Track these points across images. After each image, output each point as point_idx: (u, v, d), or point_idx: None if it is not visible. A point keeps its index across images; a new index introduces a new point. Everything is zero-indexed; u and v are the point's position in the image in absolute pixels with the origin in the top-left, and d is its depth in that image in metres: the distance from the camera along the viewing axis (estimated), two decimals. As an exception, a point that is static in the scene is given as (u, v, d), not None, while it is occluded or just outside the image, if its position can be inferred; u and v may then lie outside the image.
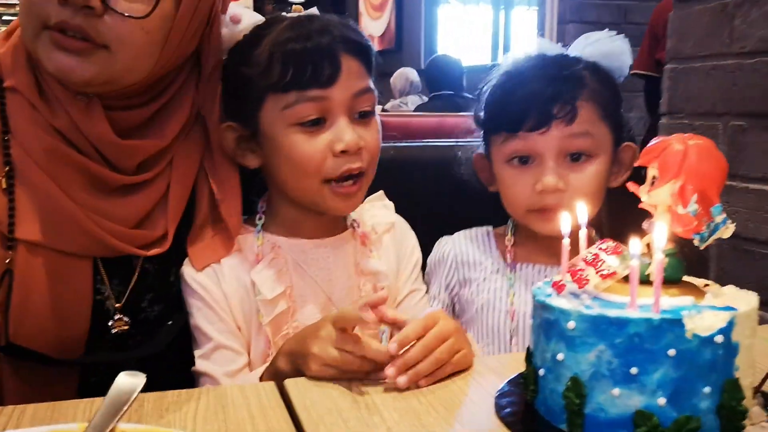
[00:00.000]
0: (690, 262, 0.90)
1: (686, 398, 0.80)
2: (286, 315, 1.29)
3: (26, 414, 0.94)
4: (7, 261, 1.14)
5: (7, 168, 1.15)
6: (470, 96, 5.91)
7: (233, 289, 1.27)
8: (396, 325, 1.09)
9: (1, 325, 1.14)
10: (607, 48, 1.38)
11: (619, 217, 1.37)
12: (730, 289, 0.91)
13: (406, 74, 6.95)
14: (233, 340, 1.26)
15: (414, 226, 1.49)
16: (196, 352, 1.27)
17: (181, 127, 1.26)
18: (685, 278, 0.93)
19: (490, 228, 1.49)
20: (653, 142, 0.91)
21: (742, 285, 1.64)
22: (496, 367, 1.10)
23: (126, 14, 1.09)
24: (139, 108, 1.21)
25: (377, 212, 1.45)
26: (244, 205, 1.33)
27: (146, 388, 0.93)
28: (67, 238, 1.17)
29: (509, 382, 1.01)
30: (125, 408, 0.82)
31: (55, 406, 0.97)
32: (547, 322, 0.88)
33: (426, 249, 1.49)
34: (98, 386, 1.03)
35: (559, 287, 0.90)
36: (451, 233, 1.51)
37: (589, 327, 0.82)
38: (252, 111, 1.26)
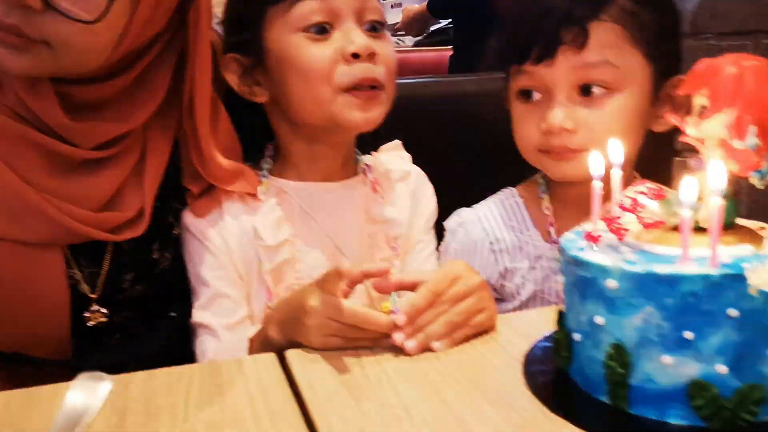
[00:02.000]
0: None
1: (750, 364, 0.69)
2: (289, 263, 1.20)
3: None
4: None
5: None
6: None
7: (235, 235, 1.19)
8: (404, 289, 0.99)
9: None
10: None
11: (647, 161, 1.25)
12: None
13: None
14: (233, 289, 1.19)
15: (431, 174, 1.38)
16: (195, 304, 1.19)
17: (156, 108, 1.13)
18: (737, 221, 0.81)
19: (515, 192, 1.33)
20: (700, 65, 0.78)
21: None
22: (521, 327, 0.98)
23: (70, 16, 0.94)
24: (97, 83, 1.06)
25: (392, 161, 1.36)
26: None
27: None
28: (28, 228, 1.05)
29: (537, 346, 0.90)
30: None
31: (32, 393, 0.87)
32: (583, 281, 0.76)
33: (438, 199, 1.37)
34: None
35: (593, 238, 0.78)
36: (464, 182, 1.38)
37: (634, 286, 0.71)
38: (254, 32, 1.19)
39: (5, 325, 1.07)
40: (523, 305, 1.27)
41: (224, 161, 1.18)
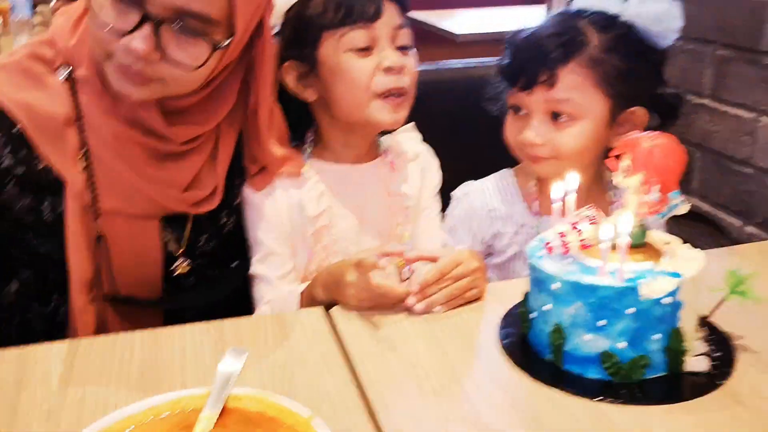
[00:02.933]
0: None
1: (640, 343, 1.07)
2: (326, 228, 1.57)
3: (135, 340, 1.22)
4: (97, 230, 1.38)
5: (84, 150, 1.36)
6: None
7: (284, 205, 1.54)
8: (423, 260, 1.38)
9: (105, 280, 1.40)
10: (651, 10, 1.49)
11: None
12: (684, 250, 1.16)
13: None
14: (283, 247, 1.55)
15: (439, 150, 1.74)
16: (254, 258, 1.55)
17: (228, 111, 1.45)
18: (652, 237, 1.18)
19: (511, 173, 1.67)
20: (629, 135, 1.14)
21: (719, 195, 1.91)
22: (502, 296, 1.35)
23: (180, 63, 1.26)
24: (185, 96, 1.37)
25: (406, 142, 1.70)
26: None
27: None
28: (136, 205, 1.40)
29: (509, 314, 1.28)
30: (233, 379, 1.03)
31: (156, 333, 1.25)
32: (539, 280, 1.14)
33: (448, 173, 1.72)
34: (178, 321, 1.32)
35: (549, 249, 1.15)
36: (472, 158, 1.73)
37: (570, 289, 1.08)
38: (311, 48, 1.52)
39: (119, 277, 1.43)
40: (508, 260, 1.65)
41: (277, 150, 1.51)
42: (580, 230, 1.13)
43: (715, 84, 1.95)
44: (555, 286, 1.09)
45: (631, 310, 1.05)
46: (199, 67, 1.28)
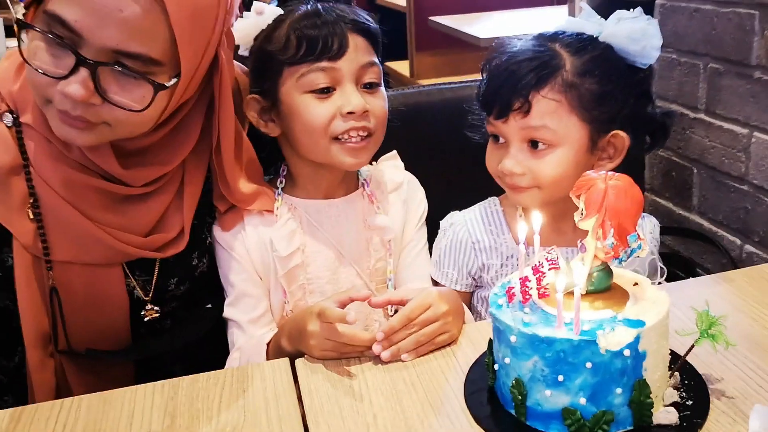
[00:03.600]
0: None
1: (602, 397, 1.01)
2: (300, 267, 1.51)
3: (82, 406, 1.19)
4: (50, 281, 1.34)
5: (32, 199, 1.31)
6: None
7: (255, 245, 1.50)
8: (393, 304, 1.36)
9: (61, 333, 1.36)
10: (628, 30, 1.44)
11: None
12: (652, 292, 1.10)
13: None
14: (255, 289, 1.51)
15: (423, 176, 1.68)
16: (226, 301, 1.51)
17: (192, 148, 1.40)
18: (618, 276, 1.12)
19: (497, 201, 1.61)
20: (582, 176, 1.08)
21: (718, 212, 1.84)
22: (475, 339, 1.30)
23: (123, 106, 1.21)
24: (143, 136, 1.32)
25: (388, 171, 1.64)
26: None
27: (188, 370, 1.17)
28: (92, 254, 1.35)
29: (478, 363, 1.22)
30: None
31: (105, 396, 1.21)
32: (498, 330, 1.08)
33: (436, 199, 1.67)
34: (151, 368, 1.28)
35: (510, 296, 1.09)
36: (461, 184, 1.66)
37: (526, 342, 1.02)
38: (272, 83, 1.47)
39: (79, 329, 1.39)
40: None
41: (246, 186, 1.47)
42: (541, 274, 1.08)
43: (709, 98, 1.88)
44: (512, 338, 1.04)
45: (590, 364, 0.99)
46: (145, 108, 1.23)
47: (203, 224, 1.49)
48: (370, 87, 1.47)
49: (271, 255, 1.50)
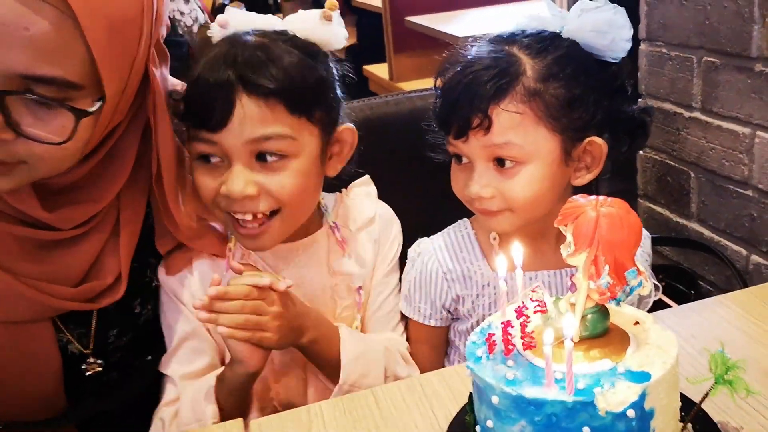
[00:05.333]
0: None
1: (604, 467, 0.85)
2: None
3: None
4: None
5: None
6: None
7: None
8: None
9: None
10: (592, 22, 1.29)
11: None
12: (656, 333, 0.93)
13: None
14: (199, 341, 1.33)
15: (394, 193, 1.51)
16: (166, 353, 1.34)
17: (127, 181, 1.23)
18: (615, 313, 0.96)
19: (468, 224, 1.45)
20: (569, 202, 0.91)
21: (719, 219, 1.68)
22: (454, 386, 1.14)
23: (40, 141, 1.03)
24: (69, 173, 1.16)
25: (359, 203, 1.46)
26: None
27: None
28: (14, 310, 1.17)
29: (457, 420, 1.06)
30: None
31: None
32: (478, 388, 0.91)
33: (408, 218, 1.50)
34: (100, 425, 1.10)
35: (490, 345, 0.93)
36: (434, 204, 1.50)
37: (511, 404, 0.86)
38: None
39: (8, 397, 1.21)
40: (475, 325, 1.41)
41: (192, 222, 1.29)
42: (526, 319, 0.91)
43: (704, 95, 1.73)
44: (494, 399, 0.87)
45: (587, 429, 0.83)
46: (67, 140, 1.05)
47: (145, 266, 1.32)
48: (269, 160, 1.22)
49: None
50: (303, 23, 1.28)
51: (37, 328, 1.21)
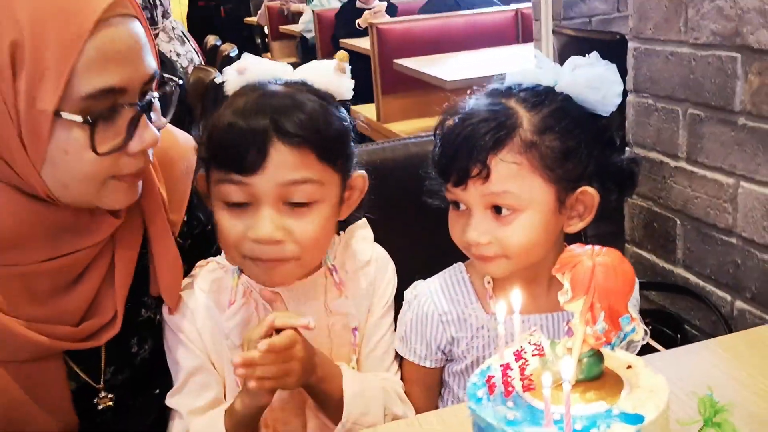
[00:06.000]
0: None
1: (599, 506, 0.89)
2: None
3: None
4: None
5: None
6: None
7: (207, 328, 1.35)
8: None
9: None
10: (586, 78, 1.33)
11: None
12: (647, 377, 0.98)
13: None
14: (204, 375, 1.35)
15: (390, 237, 1.54)
16: (172, 387, 1.36)
17: (120, 223, 1.28)
18: (609, 358, 1.00)
19: (463, 268, 1.49)
20: (566, 251, 0.96)
21: (704, 265, 1.73)
22: (453, 426, 1.18)
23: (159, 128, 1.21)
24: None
25: (356, 246, 1.49)
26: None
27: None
28: (21, 351, 1.20)
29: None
30: None
31: None
32: (479, 428, 0.95)
33: (401, 265, 1.53)
34: None
35: (490, 387, 0.97)
36: (430, 247, 1.54)
37: (511, 444, 0.90)
38: (207, 174, 1.31)
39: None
40: (469, 366, 1.46)
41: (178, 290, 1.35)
42: (525, 362, 0.96)
43: (690, 146, 1.79)
44: (494, 439, 0.92)
45: (585, 468, 0.87)
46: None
47: (140, 305, 1.35)
48: (299, 205, 1.26)
49: (223, 342, 1.36)
50: (319, 74, 1.33)
51: (48, 363, 1.24)
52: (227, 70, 1.33)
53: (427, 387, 1.51)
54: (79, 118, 1.09)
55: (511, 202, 1.30)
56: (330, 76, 1.33)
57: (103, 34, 1.09)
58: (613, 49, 1.47)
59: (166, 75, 1.23)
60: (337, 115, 1.31)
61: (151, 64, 1.18)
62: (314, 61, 1.35)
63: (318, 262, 1.37)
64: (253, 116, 1.22)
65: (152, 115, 1.20)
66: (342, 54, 1.33)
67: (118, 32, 1.12)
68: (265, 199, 1.23)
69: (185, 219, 1.42)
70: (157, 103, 1.21)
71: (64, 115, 1.08)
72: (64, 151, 1.11)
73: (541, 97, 1.33)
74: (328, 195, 1.29)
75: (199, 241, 1.46)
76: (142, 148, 1.16)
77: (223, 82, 1.33)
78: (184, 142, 1.42)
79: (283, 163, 1.22)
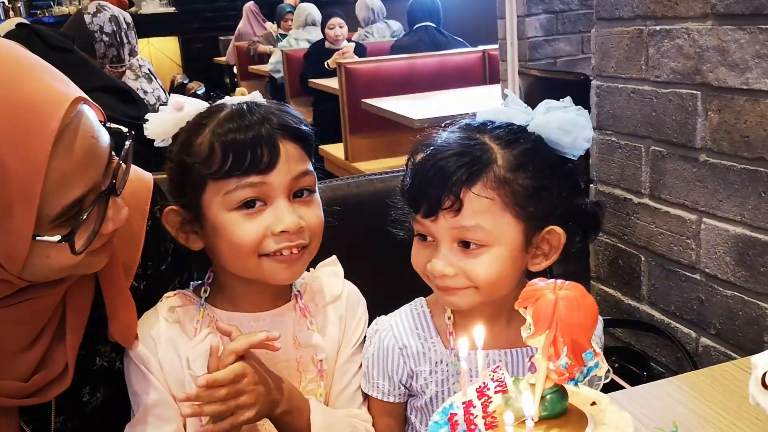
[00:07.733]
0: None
1: None
2: None
3: None
4: None
5: None
6: (449, 34, 5.90)
7: (169, 360, 1.34)
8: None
9: None
10: (558, 121, 1.34)
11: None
12: (612, 414, 0.97)
13: (365, 2, 6.90)
14: (163, 408, 1.33)
15: (355, 272, 1.54)
16: (130, 422, 1.34)
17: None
18: (573, 394, 0.99)
19: (424, 302, 1.48)
20: (529, 285, 0.96)
21: (669, 302, 1.73)
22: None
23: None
24: None
25: (326, 280, 1.49)
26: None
27: None
28: None
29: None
30: None
31: None
32: (441, 467, 0.94)
33: (368, 297, 1.53)
34: None
35: (453, 425, 0.95)
36: (393, 281, 1.53)
37: (473, 483, 0.88)
38: (194, 196, 1.31)
39: None
40: (429, 402, 1.45)
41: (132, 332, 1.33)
42: (487, 398, 0.95)
43: (653, 182, 1.80)
44: (457, 479, 0.90)
45: (548, 508, 0.86)
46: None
47: (94, 354, 1.32)
48: (304, 195, 1.35)
49: (186, 373, 1.34)
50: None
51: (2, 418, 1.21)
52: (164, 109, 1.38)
53: (393, 422, 1.50)
54: (56, 238, 1.08)
55: (480, 237, 1.29)
56: None
57: (61, 152, 1.05)
58: (578, 90, 1.48)
59: (113, 126, 1.19)
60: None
61: (106, 144, 1.14)
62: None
63: (315, 252, 1.39)
64: (255, 127, 1.29)
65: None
66: (240, 90, 1.39)
67: (74, 140, 1.07)
68: (279, 194, 1.30)
69: (140, 261, 1.39)
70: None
71: (41, 238, 1.07)
72: (45, 257, 1.10)
73: (515, 135, 1.33)
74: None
75: (153, 281, 1.43)
76: (114, 227, 1.16)
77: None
78: (137, 181, 1.39)
79: (293, 157, 1.31)
